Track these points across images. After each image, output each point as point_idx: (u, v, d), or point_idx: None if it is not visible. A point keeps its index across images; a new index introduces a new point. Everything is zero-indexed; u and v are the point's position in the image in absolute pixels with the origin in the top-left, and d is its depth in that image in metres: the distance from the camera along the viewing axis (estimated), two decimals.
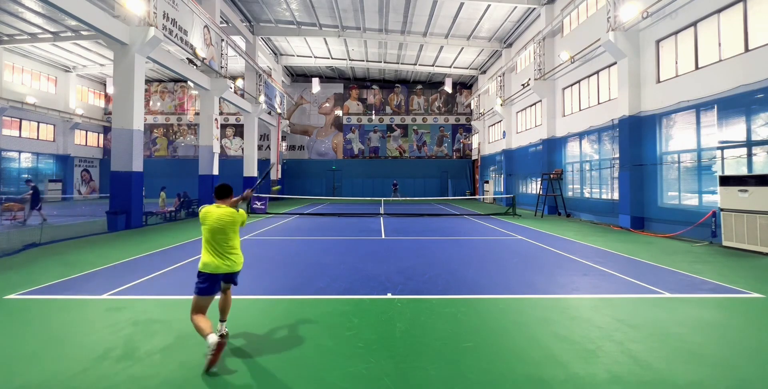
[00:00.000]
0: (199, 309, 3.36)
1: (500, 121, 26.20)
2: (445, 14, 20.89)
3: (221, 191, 3.61)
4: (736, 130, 9.09)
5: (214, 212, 3.47)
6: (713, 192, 9.69)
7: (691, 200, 10.57)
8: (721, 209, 8.74)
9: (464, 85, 34.23)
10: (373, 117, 34.28)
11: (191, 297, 3.43)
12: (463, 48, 25.39)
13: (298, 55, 29.24)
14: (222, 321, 3.69)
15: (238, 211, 3.60)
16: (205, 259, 3.42)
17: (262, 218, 16.12)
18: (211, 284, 3.41)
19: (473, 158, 33.76)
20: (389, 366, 3.14)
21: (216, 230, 3.42)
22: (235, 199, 3.73)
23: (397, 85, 34.29)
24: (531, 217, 16.58)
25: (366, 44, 25.51)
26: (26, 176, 14.04)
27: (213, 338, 3.03)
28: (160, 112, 34.06)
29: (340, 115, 34.31)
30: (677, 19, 10.85)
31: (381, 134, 34.34)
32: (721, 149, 9.47)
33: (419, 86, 34.29)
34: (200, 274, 3.41)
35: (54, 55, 26.82)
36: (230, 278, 3.58)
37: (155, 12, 12.60)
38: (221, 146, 32.99)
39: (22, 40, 23.37)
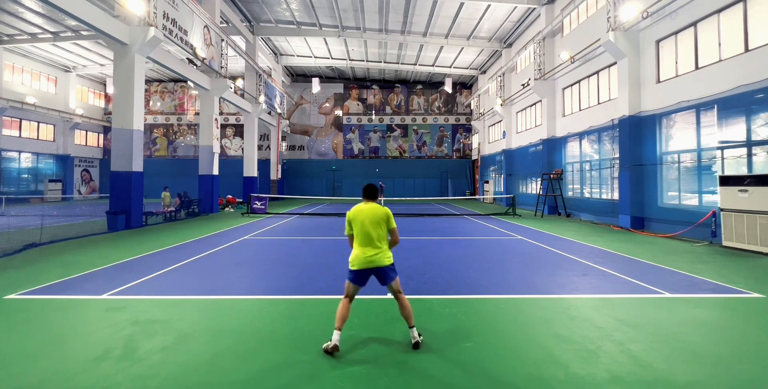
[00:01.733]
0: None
1: (500, 121, 26.20)
2: (445, 14, 20.89)
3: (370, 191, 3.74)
4: (736, 130, 9.09)
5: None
6: (713, 192, 9.69)
7: (691, 200, 10.57)
8: (721, 209, 8.74)
9: (464, 85, 34.23)
10: (373, 117, 34.28)
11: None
12: (463, 48, 25.39)
13: (298, 55, 29.24)
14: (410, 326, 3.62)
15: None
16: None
17: (262, 218, 16.11)
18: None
19: (473, 158, 33.76)
20: (389, 366, 3.14)
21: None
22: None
23: (397, 85, 34.29)
24: (531, 217, 16.58)
25: (366, 44, 25.51)
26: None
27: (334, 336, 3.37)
28: (160, 112, 34.07)
29: (340, 115, 34.31)
30: (677, 19, 10.85)
31: (381, 134, 34.34)
32: (721, 149, 9.47)
33: (419, 86, 34.30)
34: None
35: (54, 55, 26.83)
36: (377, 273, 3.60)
37: (155, 12, 12.60)
38: (221, 146, 32.99)
39: (22, 40, 23.38)
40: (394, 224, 3.65)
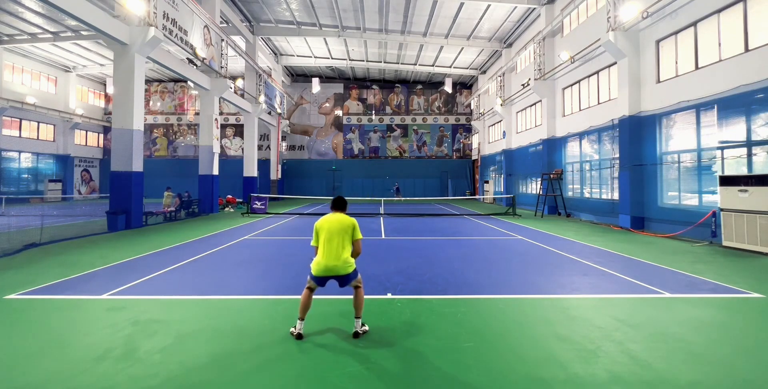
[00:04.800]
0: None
1: (500, 121, 26.20)
2: (445, 14, 20.89)
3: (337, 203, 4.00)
4: (736, 130, 9.09)
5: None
6: (713, 192, 9.69)
7: (691, 200, 10.56)
8: (721, 209, 8.74)
9: (464, 85, 34.23)
10: (373, 117, 34.28)
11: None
12: (463, 48, 25.39)
13: (298, 55, 29.25)
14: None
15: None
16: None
17: (262, 218, 16.11)
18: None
19: (473, 158, 33.76)
20: (389, 366, 3.14)
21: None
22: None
23: (397, 85, 34.30)
24: (531, 217, 16.58)
25: (366, 44, 25.51)
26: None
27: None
28: (160, 112, 34.07)
29: (340, 115, 34.31)
30: (677, 19, 10.85)
31: (381, 134, 34.34)
32: (721, 149, 9.47)
33: (419, 86, 34.30)
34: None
35: (54, 55, 26.83)
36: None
37: (155, 12, 12.60)
38: (221, 146, 32.99)
39: (22, 40, 23.38)
40: (359, 236, 3.84)
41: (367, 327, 3.86)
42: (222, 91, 18.91)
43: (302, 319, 3.71)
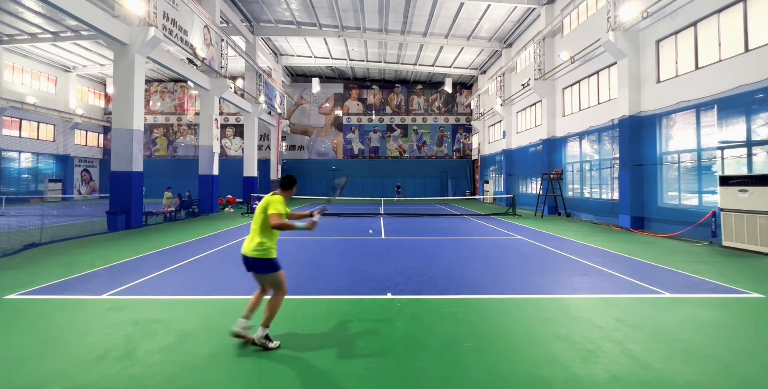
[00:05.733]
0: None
1: (500, 121, 26.20)
2: (445, 14, 20.89)
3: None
4: (736, 130, 9.09)
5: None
6: (713, 192, 9.69)
7: (691, 200, 10.57)
8: (721, 209, 8.74)
9: (464, 85, 34.22)
10: (373, 117, 34.28)
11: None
12: (463, 48, 25.39)
13: (298, 55, 29.24)
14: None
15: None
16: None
17: None
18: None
19: (473, 158, 33.76)
20: (389, 366, 3.14)
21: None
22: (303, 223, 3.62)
23: (397, 85, 34.29)
24: (531, 217, 16.58)
25: (366, 44, 25.51)
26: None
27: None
28: (160, 112, 34.06)
29: (340, 115, 34.31)
30: (677, 19, 10.85)
31: (381, 134, 34.34)
32: (721, 149, 9.47)
33: (419, 86, 34.30)
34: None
35: (54, 55, 26.82)
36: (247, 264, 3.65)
37: (155, 12, 12.60)
38: (221, 146, 32.98)
39: (22, 40, 23.37)
40: (272, 211, 3.46)
41: (274, 345, 3.42)
42: (222, 91, 18.91)
43: (245, 318, 3.54)
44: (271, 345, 3.43)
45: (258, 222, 3.56)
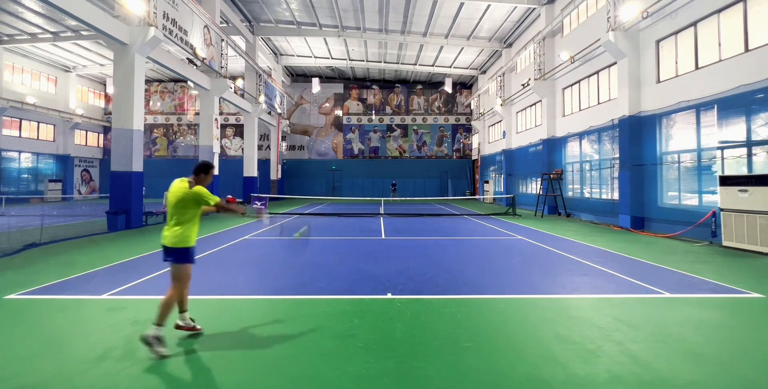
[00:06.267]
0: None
1: (500, 121, 26.20)
2: (445, 14, 20.89)
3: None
4: (736, 130, 9.09)
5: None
6: (713, 192, 9.69)
7: (691, 200, 10.57)
8: (721, 209, 8.74)
9: (464, 85, 34.22)
10: (373, 117, 34.28)
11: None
12: (463, 48, 25.39)
13: (298, 55, 29.24)
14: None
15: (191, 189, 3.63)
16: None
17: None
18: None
19: (473, 158, 33.76)
20: (389, 366, 3.14)
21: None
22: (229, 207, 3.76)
23: (397, 85, 34.29)
24: (531, 217, 16.58)
25: (366, 44, 25.51)
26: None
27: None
28: (160, 112, 34.06)
29: (340, 115, 34.31)
30: (677, 19, 10.85)
31: (381, 134, 34.34)
32: (721, 149, 9.47)
33: (419, 86, 34.29)
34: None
35: (54, 55, 26.82)
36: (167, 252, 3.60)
37: (155, 12, 12.60)
38: (221, 146, 32.95)
39: (22, 40, 23.37)
40: (212, 198, 3.62)
41: (164, 351, 3.22)
42: (222, 91, 18.91)
43: (182, 312, 3.71)
44: (162, 350, 3.23)
45: (178, 211, 3.60)
